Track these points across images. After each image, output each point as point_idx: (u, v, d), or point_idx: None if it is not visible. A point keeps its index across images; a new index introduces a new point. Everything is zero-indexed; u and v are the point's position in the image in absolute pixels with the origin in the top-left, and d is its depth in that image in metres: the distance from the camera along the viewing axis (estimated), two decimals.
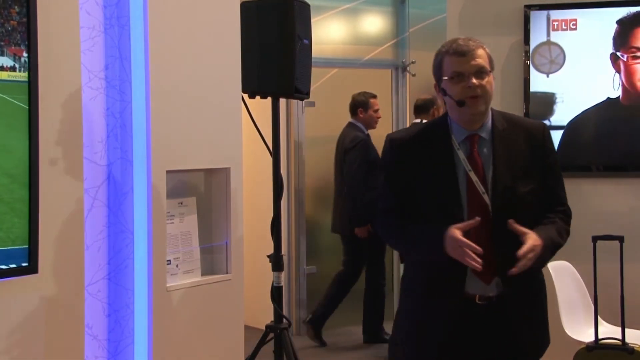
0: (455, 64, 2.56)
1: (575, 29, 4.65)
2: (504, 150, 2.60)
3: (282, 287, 3.71)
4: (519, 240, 2.49)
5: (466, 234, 2.47)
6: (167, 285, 3.36)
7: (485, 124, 2.62)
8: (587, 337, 3.87)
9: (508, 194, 2.56)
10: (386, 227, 2.72)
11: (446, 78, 2.59)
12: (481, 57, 2.57)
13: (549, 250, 2.57)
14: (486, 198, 2.55)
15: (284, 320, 3.69)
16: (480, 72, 2.56)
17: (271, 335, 3.67)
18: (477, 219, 2.48)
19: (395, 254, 6.57)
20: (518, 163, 2.59)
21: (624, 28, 4.58)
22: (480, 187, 2.56)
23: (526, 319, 2.64)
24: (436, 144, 2.63)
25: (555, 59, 4.68)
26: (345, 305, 6.47)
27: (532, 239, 2.47)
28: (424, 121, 5.77)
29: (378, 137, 6.55)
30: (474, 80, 2.54)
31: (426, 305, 2.64)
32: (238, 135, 3.68)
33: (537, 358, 2.74)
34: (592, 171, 4.66)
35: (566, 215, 2.69)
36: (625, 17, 4.58)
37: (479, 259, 2.42)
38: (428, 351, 2.63)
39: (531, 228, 2.53)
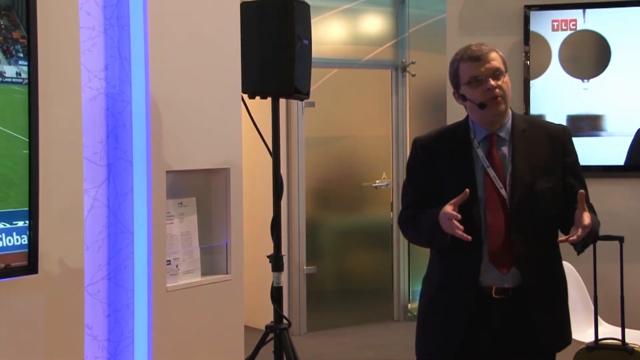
0: (472, 69, 2.66)
1: (575, 29, 4.64)
2: (524, 148, 2.69)
3: (282, 287, 3.72)
4: (535, 233, 2.63)
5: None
6: (167, 285, 3.36)
7: (504, 124, 2.72)
8: (587, 337, 3.86)
9: (526, 189, 2.65)
10: (404, 222, 2.82)
11: (464, 83, 2.68)
12: (495, 60, 2.66)
13: (593, 234, 2.59)
14: (504, 193, 2.65)
15: (284, 320, 3.69)
16: (497, 74, 2.65)
17: (271, 335, 3.67)
18: (467, 191, 2.54)
19: (396, 251, 6.57)
20: (538, 161, 2.68)
21: None
22: (498, 183, 2.65)
23: (544, 315, 2.68)
24: (457, 143, 2.73)
25: None
26: (345, 305, 6.47)
27: (588, 217, 2.51)
28: None
29: (374, 137, 6.56)
30: (492, 82, 2.64)
31: (442, 299, 2.72)
32: (238, 135, 3.68)
33: (553, 356, 2.77)
34: (591, 171, 4.65)
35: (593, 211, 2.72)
36: None
37: (461, 226, 2.49)
38: (447, 347, 2.70)
39: (549, 224, 2.68)
